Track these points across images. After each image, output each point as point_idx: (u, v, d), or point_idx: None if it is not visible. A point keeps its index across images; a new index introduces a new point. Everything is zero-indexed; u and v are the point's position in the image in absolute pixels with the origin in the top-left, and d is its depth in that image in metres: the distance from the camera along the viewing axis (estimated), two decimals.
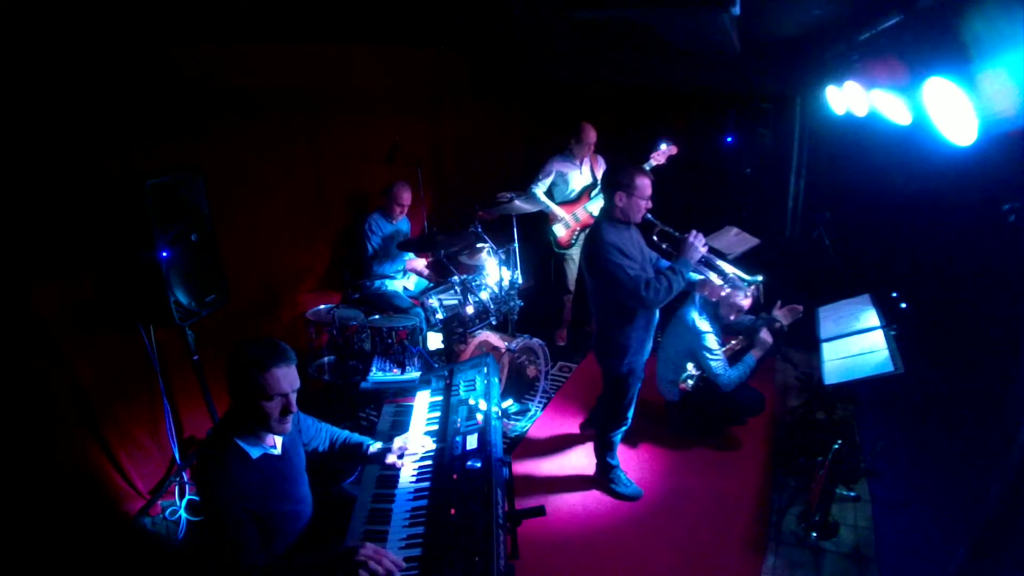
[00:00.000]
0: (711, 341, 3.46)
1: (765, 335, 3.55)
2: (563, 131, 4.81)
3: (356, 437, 2.36)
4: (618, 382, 3.15)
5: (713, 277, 3.13)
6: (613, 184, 2.88)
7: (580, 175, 4.72)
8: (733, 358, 3.58)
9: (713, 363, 3.46)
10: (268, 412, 1.83)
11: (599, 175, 4.71)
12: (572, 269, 4.93)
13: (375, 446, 2.31)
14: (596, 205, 4.70)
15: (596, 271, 2.91)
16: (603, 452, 3.38)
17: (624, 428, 3.31)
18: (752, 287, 3.19)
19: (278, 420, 1.86)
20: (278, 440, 2.00)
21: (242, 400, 1.85)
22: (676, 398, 3.73)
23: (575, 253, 4.82)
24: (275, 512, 1.93)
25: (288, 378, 1.84)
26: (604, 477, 3.41)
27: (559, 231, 4.78)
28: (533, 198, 4.63)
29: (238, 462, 1.86)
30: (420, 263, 4.70)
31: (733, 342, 3.84)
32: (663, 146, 4.54)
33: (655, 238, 3.12)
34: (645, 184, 2.85)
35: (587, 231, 4.69)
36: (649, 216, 2.95)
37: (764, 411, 3.75)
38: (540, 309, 5.23)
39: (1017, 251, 3.15)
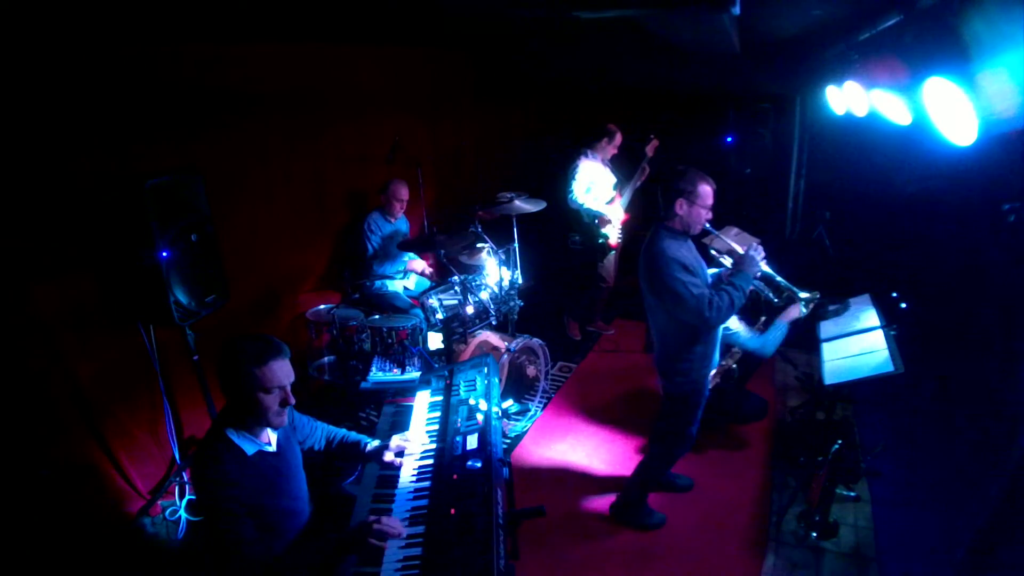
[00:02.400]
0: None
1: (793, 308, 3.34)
2: (562, 131, 4.82)
3: (353, 435, 2.37)
4: (679, 401, 2.91)
5: (769, 290, 3.07)
6: (674, 190, 2.64)
7: (607, 175, 4.83)
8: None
9: (739, 335, 3.26)
10: (267, 406, 1.86)
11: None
12: (612, 262, 5.00)
13: (373, 444, 2.32)
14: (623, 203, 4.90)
15: (658, 287, 2.67)
16: (647, 478, 3.09)
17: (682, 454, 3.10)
18: (811, 304, 3.13)
19: (276, 413, 1.90)
20: (273, 437, 2.01)
21: (238, 396, 1.87)
22: None
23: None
24: (272, 509, 1.94)
25: (284, 370, 1.89)
26: (630, 507, 3.14)
27: (611, 233, 4.83)
28: (579, 207, 4.67)
29: (233, 459, 1.87)
30: (420, 263, 4.70)
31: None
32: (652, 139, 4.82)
33: (712, 252, 2.99)
34: (708, 192, 2.64)
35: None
36: (708, 226, 2.74)
37: (767, 416, 3.74)
38: (541, 309, 5.23)
39: (1017, 251, 3.14)
